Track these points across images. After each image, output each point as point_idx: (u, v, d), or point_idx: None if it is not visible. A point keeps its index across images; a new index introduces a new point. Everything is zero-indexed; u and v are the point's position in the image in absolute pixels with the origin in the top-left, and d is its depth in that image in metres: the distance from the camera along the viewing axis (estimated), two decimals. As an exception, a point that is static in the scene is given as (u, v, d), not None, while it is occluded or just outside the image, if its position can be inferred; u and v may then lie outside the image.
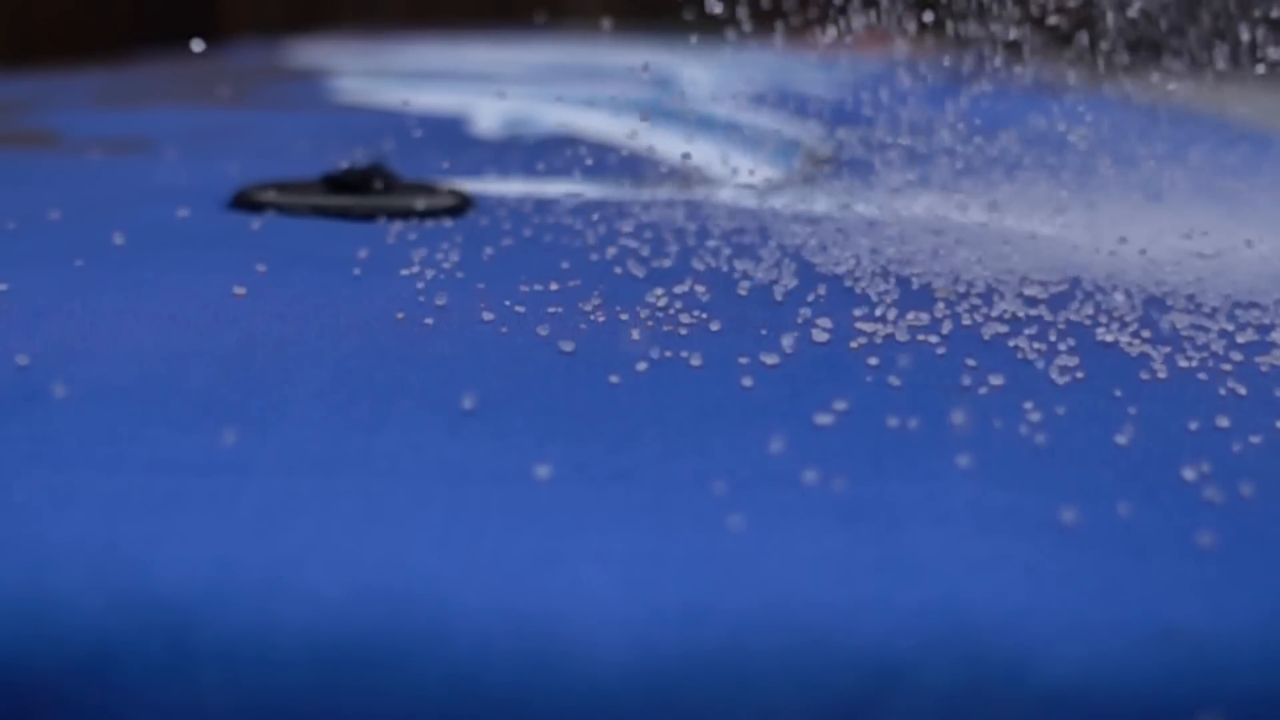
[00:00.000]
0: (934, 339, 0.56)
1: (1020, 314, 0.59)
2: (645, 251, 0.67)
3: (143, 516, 0.42)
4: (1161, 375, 0.54)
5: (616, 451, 0.46)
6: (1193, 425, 0.50)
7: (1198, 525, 0.43)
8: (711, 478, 0.45)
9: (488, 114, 1.01)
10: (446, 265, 0.64)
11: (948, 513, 0.43)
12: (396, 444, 0.46)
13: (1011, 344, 0.56)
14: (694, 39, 0.91)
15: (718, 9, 0.76)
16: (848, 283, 0.63)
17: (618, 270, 0.64)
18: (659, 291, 0.61)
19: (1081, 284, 0.64)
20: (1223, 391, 0.53)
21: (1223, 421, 0.50)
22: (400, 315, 0.57)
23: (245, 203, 0.74)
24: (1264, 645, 0.40)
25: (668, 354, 0.54)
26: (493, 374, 0.52)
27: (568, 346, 0.54)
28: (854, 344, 0.55)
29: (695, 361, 0.53)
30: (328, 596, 0.40)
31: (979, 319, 0.59)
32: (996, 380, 0.52)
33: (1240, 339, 0.58)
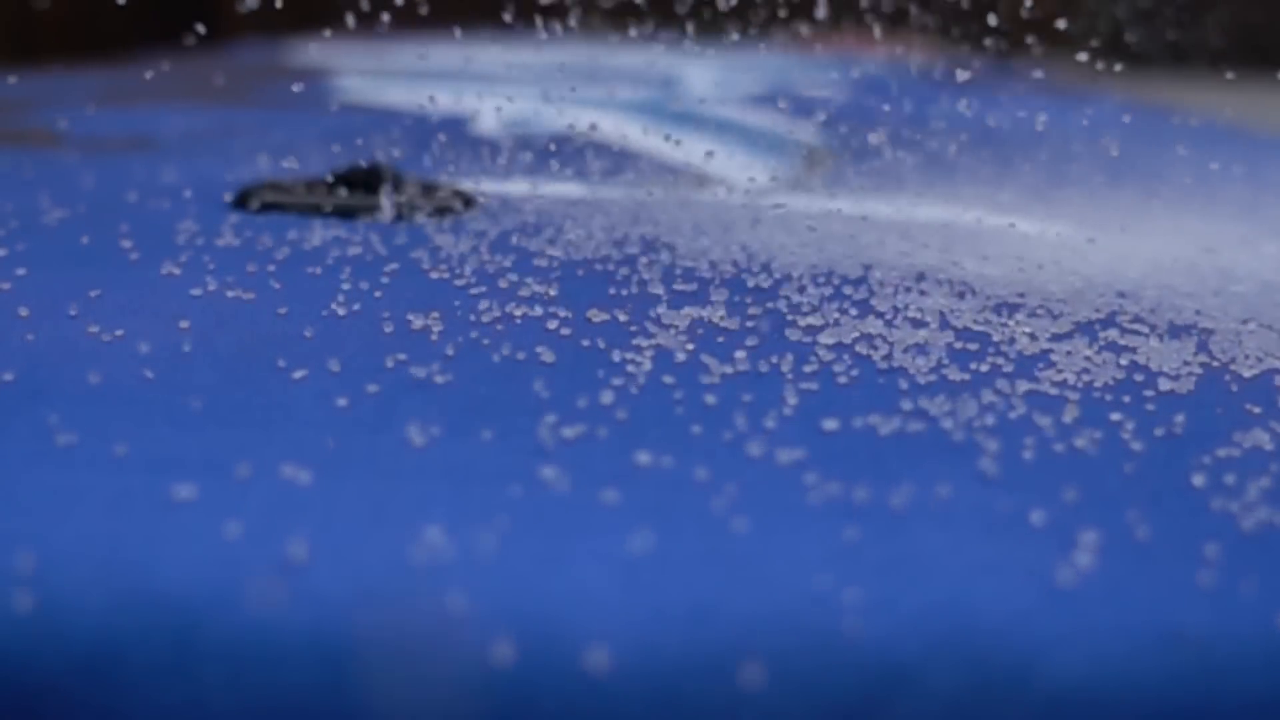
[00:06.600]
0: (940, 342, 0.56)
1: (1028, 319, 0.59)
2: (648, 251, 0.66)
3: (147, 516, 0.42)
4: (1171, 382, 0.54)
5: (621, 453, 0.46)
6: (1200, 431, 0.50)
7: (1203, 531, 0.43)
8: (717, 480, 0.45)
9: (490, 114, 1.01)
10: (449, 265, 0.64)
11: (953, 516, 0.43)
12: (400, 444, 0.46)
13: (1018, 348, 0.56)
14: (696, 40, 0.91)
15: (719, 10, 0.76)
16: (852, 284, 0.62)
17: (621, 270, 0.64)
18: (662, 292, 0.60)
19: (1094, 287, 0.64)
20: (1234, 399, 0.53)
21: (1233, 428, 0.50)
22: (403, 315, 0.57)
23: (247, 201, 0.74)
24: (1268, 650, 0.40)
25: (673, 355, 0.54)
26: (496, 374, 0.52)
27: (573, 349, 0.54)
28: (860, 347, 0.55)
29: (700, 363, 0.53)
30: (331, 597, 0.40)
31: (985, 322, 0.58)
32: (1002, 384, 0.52)
33: (1251, 348, 0.57)
